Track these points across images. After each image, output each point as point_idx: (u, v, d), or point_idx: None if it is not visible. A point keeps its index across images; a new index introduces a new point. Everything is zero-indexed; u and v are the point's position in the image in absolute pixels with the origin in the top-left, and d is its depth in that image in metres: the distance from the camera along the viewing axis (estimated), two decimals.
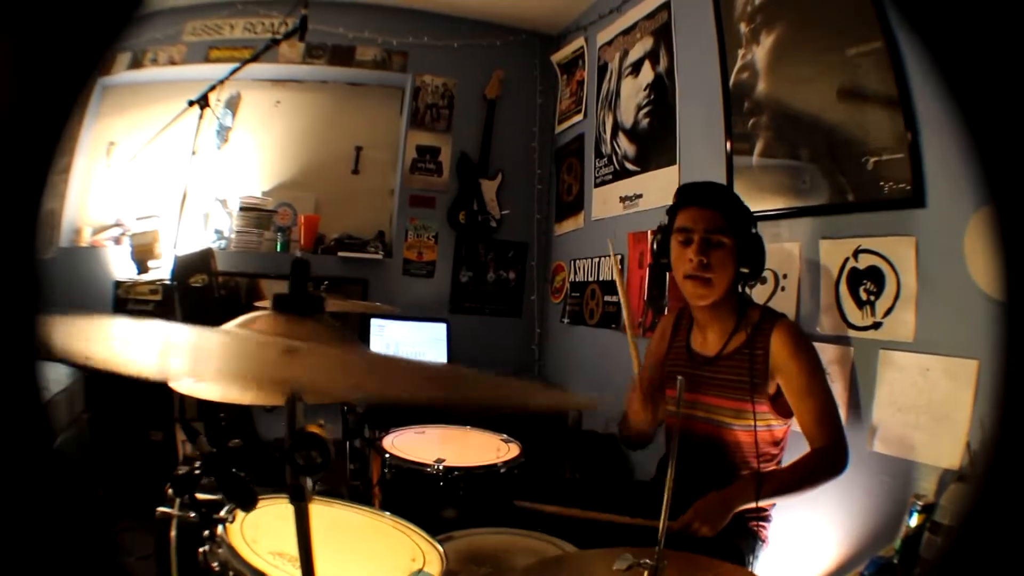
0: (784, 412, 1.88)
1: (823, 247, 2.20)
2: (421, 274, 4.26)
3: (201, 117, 2.78)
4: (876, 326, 2.01)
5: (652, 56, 3.31)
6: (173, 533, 1.28)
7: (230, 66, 3.07)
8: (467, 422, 2.48)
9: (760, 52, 2.52)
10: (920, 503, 1.63)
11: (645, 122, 3.35)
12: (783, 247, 2.35)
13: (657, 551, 0.82)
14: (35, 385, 0.54)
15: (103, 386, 2.92)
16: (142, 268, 3.45)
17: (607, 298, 3.63)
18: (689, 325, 2.10)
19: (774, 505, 1.92)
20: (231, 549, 1.14)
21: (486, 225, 4.29)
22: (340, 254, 3.95)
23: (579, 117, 4.08)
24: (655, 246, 2.06)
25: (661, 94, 3.22)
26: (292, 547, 0.82)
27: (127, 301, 3.22)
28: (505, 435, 2.33)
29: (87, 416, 2.98)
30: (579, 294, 3.92)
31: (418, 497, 1.98)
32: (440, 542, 1.31)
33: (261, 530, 1.23)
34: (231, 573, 1.11)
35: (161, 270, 3.42)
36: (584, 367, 3.86)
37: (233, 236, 3.77)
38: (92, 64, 0.56)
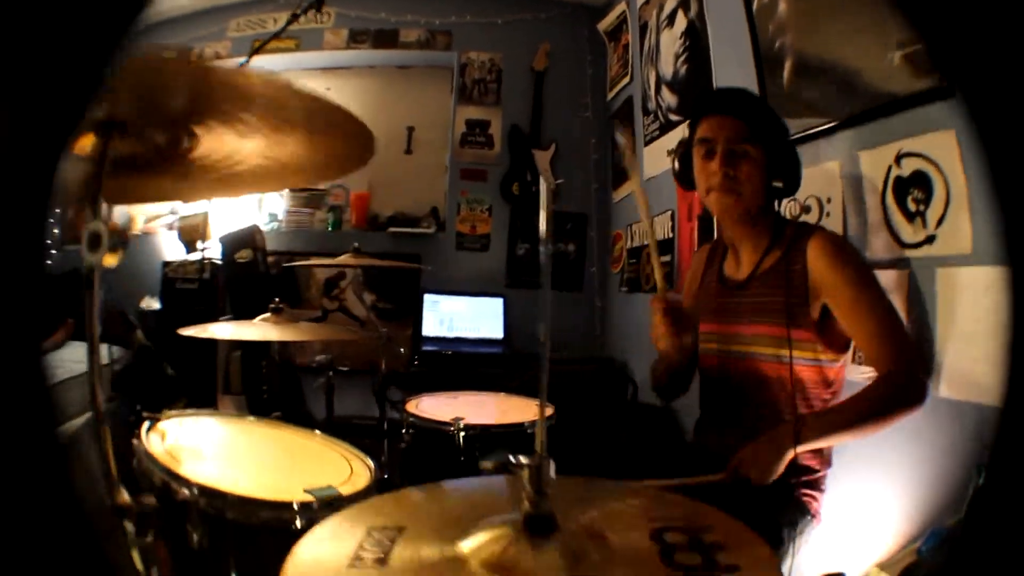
0: (836, 345, 1.63)
1: (863, 160, 1.98)
2: (475, 248, 4.22)
3: None
4: (930, 240, 1.76)
5: (683, 3, 3.26)
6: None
7: (275, 57, 3.14)
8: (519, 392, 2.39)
9: None
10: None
11: (683, 70, 3.26)
12: (822, 169, 2.14)
13: (538, 452, 0.71)
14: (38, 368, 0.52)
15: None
16: (191, 248, 3.58)
17: (663, 259, 3.45)
18: (723, 253, 1.92)
19: (826, 469, 1.68)
20: (145, 451, 1.11)
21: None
22: (390, 230, 3.96)
23: (627, 80, 3.99)
24: (676, 163, 1.91)
25: (695, 40, 3.14)
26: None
27: (174, 280, 3.33)
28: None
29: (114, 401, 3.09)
30: (636, 260, 3.77)
31: (436, 456, 1.92)
32: None
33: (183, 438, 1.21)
34: (146, 470, 1.08)
35: (209, 250, 3.54)
36: (644, 336, 3.69)
37: (285, 216, 3.86)
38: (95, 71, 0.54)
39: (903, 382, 1.47)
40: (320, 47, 4.07)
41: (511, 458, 0.72)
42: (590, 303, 4.29)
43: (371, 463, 1.24)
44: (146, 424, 1.20)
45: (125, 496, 0.76)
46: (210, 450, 1.26)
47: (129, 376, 1.15)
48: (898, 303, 1.85)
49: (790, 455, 1.44)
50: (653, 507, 0.89)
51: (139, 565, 0.74)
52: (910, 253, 1.82)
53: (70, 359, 2.46)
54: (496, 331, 3.92)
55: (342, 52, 4.16)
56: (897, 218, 1.86)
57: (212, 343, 2.97)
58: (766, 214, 1.73)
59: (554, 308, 3.20)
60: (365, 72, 4.39)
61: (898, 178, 1.85)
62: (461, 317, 3.90)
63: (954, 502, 1.55)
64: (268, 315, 2.08)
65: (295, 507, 1.06)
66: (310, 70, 4.29)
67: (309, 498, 1.08)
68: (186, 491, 1.04)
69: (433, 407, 2.12)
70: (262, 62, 3.67)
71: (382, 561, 0.68)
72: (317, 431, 1.42)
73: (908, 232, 1.83)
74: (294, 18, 2.77)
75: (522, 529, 0.71)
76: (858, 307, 1.54)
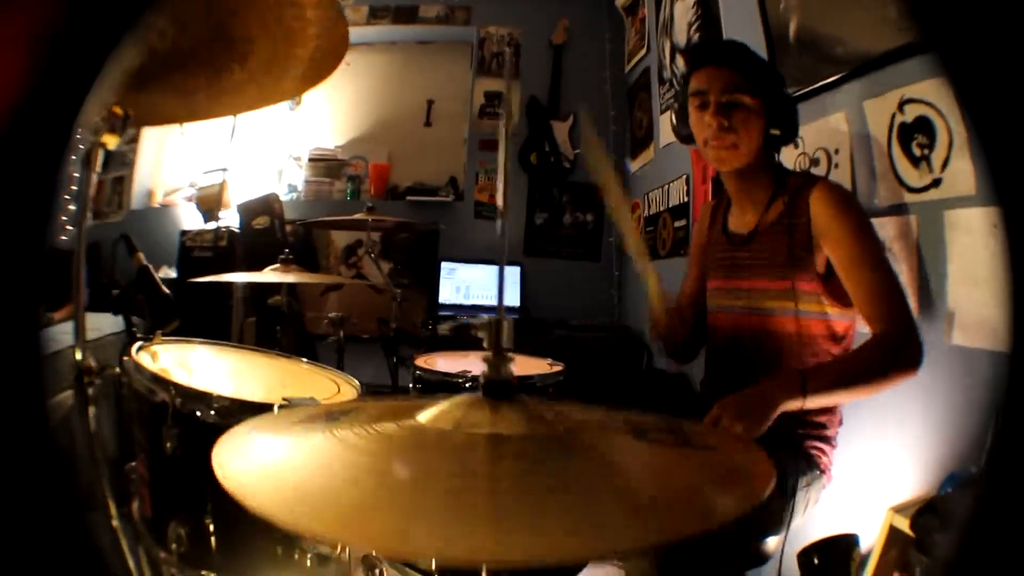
0: (844, 298, 1.60)
1: (868, 109, 1.96)
2: (493, 216, 4.25)
3: None
4: (936, 183, 1.75)
5: None
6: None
7: None
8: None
9: None
10: None
11: (696, 37, 3.21)
12: (828, 121, 2.14)
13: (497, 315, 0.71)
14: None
15: None
16: (209, 218, 3.65)
17: (676, 224, 3.44)
18: (727, 207, 1.91)
19: (837, 426, 1.66)
20: (132, 362, 1.15)
21: (559, 166, 4.21)
22: (408, 199, 4.00)
23: (643, 52, 3.99)
24: (673, 118, 1.90)
25: (707, 8, 3.07)
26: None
27: (192, 249, 3.39)
28: (552, 359, 2.24)
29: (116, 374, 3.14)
30: (652, 227, 3.76)
31: None
32: None
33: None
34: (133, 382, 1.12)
35: (227, 219, 3.61)
36: None
37: (304, 187, 3.92)
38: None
39: (896, 344, 1.45)
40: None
41: (467, 320, 0.73)
42: (608, 273, 4.29)
43: (357, 384, 1.26)
44: (138, 344, 1.24)
45: (91, 361, 0.79)
46: (199, 369, 1.30)
47: (128, 295, 1.19)
48: (907, 250, 1.84)
49: (779, 409, 1.39)
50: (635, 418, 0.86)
51: (91, 426, 0.77)
52: (917, 198, 1.81)
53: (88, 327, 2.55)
54: (513, 299, 3.95)
55: (362, 28, 4.21)
56: (903, 164, 1.85)
57: (228, 311, 3.05)
58: (766, 165, 1.72)
59: (573, 278, 3.27)
60: (386, 48, 4.44)
61: (902, 124, 1.83)
62: (478, 285, 3.93)
63: (972, 450, 1.50)
64: (277, 265, 2.14)
65: (275, 410, 1.04)
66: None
67: (286, 403, 1.08)
68: (165, 394, 1.08)
69: (443, 363, 2.14)
70: None
71: (332, 419, 0.69)
72: (305, 359, 1.45)
73: (914, 177, 1.81)
74: None
75: (482, 395, 0.70)
76: (856, 261, 1.52)
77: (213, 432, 1.06)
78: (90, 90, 0.49)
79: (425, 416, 0.70)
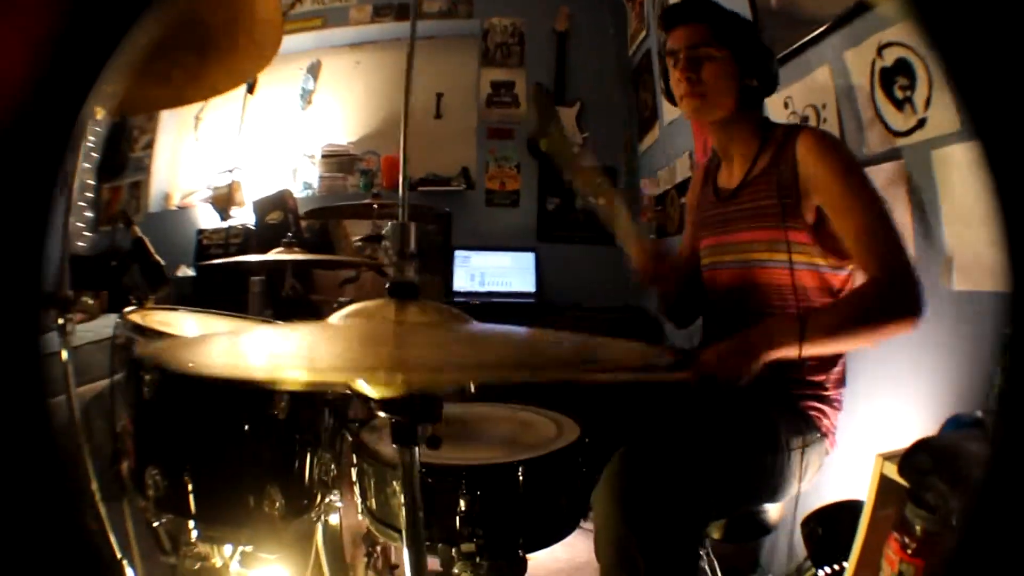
0: (837, 250, 1.55)
1: (849, 59, 1.96)
2: (505, 203, 4.29)
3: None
4: (921, 124, 1.72)
5: None
6: None
7: (302, 36, 3.27)
8: None
9: None
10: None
11: None
12: (815, 78, 2.14)
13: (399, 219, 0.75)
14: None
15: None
16: (224, 216, 3.74)
17: (683, 200, 3.42)
18: (718, 166, 1.91)
19: (839, 387, 1.60)
20: (121, 318, 1.20)
21: None
22: (420, 189, 4.07)
23: (644, 34, 3.99)
24: (661, 82, 1.92)
25: None
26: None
27: (208, 247, 3.49)
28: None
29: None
30: (662, 206, 3.75)
31: None
32: None
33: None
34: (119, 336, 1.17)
35: (242, 217, 3.70)
36: None
37: (318, 183, 4.01)
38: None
39: (890, 290, 1.38)
40: (346, 23, 4.21)
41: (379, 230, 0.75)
42: (623, 255, 4.27)
43: None
44: (131, 307, 1.30)
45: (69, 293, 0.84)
46: (180, 327, 1.35)
47: (124, 264, 1.25)
48: (901, 197, 1.82)
49: (771, 353, 1.37)
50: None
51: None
52: (905, 141, 1.78)
53: (102, 325, 2.65)
54: (528, 284, 3.97)
55: (367, 27, 4.29)
56: (888, 109, 1.83)
57: (244, 307, 3.13)
58: (750, 118, 1.70)
59: (589, 261, 3.27)
60: (392, 45, 4.50)
61: (883, 69, 1.82)
62: (492, 272, 3.96)
63: (979, 397, 1.42)
64: (281, 248, 2.21)
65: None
66: (338, 47, 4.43)
67: None
68: (136, 337, 1.13)
69: None
70: (290, 40, 3.82)
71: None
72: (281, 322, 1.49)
73: (899, 121, 1.79)
74: None
75: (387, 297, 0.74)
76: (845, 204, 1.47)
77: (183, 379, 1.12)
78: (94, 83, 0.49)
79: (335, 319, 0.75)
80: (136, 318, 1.26)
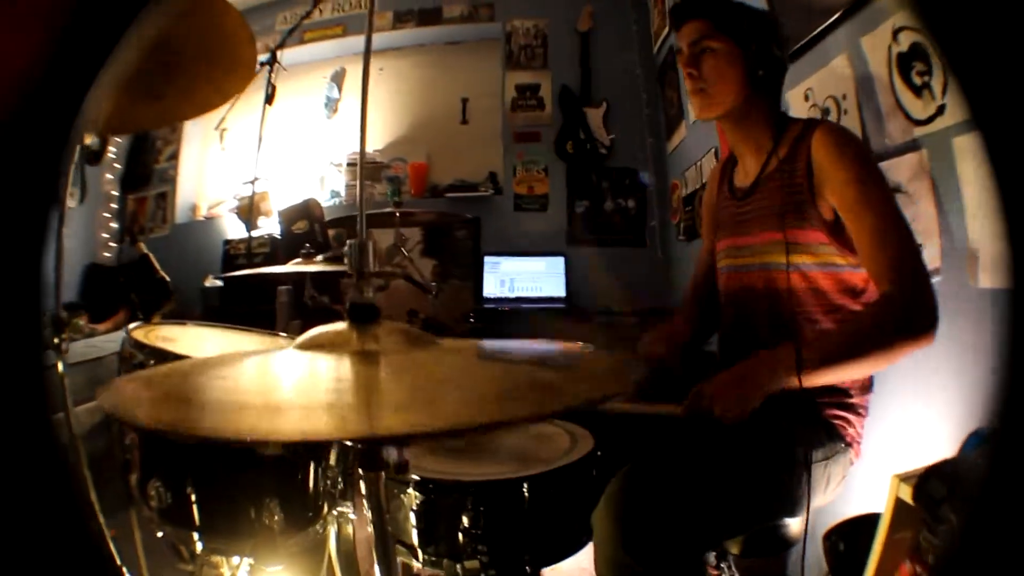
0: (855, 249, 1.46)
1: (866, 45, 1.89)
2: (533, 208, 4.27)
3: (271, 71, 3.02)
4: (941, 110, 1.65)
5: None
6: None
7: (324, 44, 3.31)
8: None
9: None
10: None
11: None
12: (833, 69, 2.07)
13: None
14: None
15: None
16: (251, 226, 3.81)
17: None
18: (734, 164, 1.85)
19: (864, 394, 1.51)
20: (128, 337, 1.23)
21: (595, 152, 4.19)
22: (447, 195, 4.08)
23: (666, 31, 3.92)
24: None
25: None
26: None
27: (236, 257, 3.54)
28: (585, 343, 2.23)
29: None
30: (691, 207, 3.68)
31: None
32: None
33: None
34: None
35: (269, 226, 3.76)
36: None
37: (345, 190, 4.05)
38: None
39: (902, 306, 1.27)
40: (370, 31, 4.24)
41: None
42: (652, 257, 4.23)
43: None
44: (135, 324, 1.33)
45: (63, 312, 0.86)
46: (183, 341, 1.38)
47: (131, 280, 1.30)
48: (922, 190, 1.74)
49: (766, 390, 1.29)
50: None
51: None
52: (926, 130, 1.71)
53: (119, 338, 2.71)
54: (558, 289, 3.94)
55: (389, 34, 4.32)
56: (907, 96, 1.76)
57: (272, 316, 3.19)
58: (764, 113, 1.62)
59: (619, 264, 3.25)
60: (415, 51, 4.54)
61: (900, 55, 1.76)
62: (522, 277, 3.94)
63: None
64: (299, 259, 2.24)
65: None
66: (360, 54, 4.46)
67: None
68: (141, 355, 1.15)
69: None
70: (311, 49, 3.88)
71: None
72: (283, 334, 1.50)
73: (918, 108, 1.72)
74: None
75: (348, 320, 0.71)
76: (857, 205, 1.38)
77: None
78: (90, 86, 0.49)
79: (300, 341, 0.73)
80: (139, 334, 1.28)
